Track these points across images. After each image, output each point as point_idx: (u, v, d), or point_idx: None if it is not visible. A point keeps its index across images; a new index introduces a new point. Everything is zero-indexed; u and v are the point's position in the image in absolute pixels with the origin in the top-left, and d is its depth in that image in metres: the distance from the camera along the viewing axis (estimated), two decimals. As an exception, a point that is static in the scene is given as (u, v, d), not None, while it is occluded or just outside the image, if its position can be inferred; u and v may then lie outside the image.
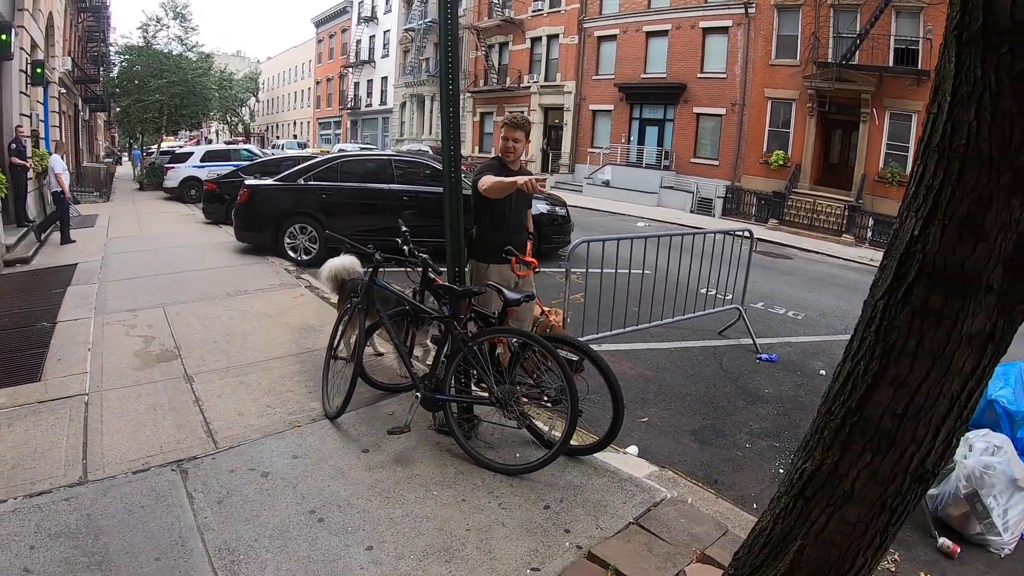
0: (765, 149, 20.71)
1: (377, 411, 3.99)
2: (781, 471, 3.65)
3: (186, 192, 17.35)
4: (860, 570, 1.75)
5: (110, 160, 29.12)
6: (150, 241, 10.80)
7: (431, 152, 24.82)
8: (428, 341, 4.40)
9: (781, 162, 20.05)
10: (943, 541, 3.14)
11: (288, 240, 9.11)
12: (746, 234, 6.39)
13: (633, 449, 3.82)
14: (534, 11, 28.56)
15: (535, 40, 28.74)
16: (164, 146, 26.56)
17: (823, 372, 5.54)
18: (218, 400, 4.10)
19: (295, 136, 51.54)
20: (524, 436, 3.59)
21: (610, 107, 25.71)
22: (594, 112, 26.65)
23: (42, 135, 13.98)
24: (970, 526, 3.21)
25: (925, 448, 1.63)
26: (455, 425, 3.47)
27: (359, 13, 43.27)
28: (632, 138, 25.04)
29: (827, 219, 18.00)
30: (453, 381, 3.57)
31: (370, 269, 3.98)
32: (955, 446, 1.69)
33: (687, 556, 2.57)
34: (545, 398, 3.49)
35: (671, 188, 22.36)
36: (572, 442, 3.50)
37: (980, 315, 1.52)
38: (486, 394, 3.46)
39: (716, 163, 22.20)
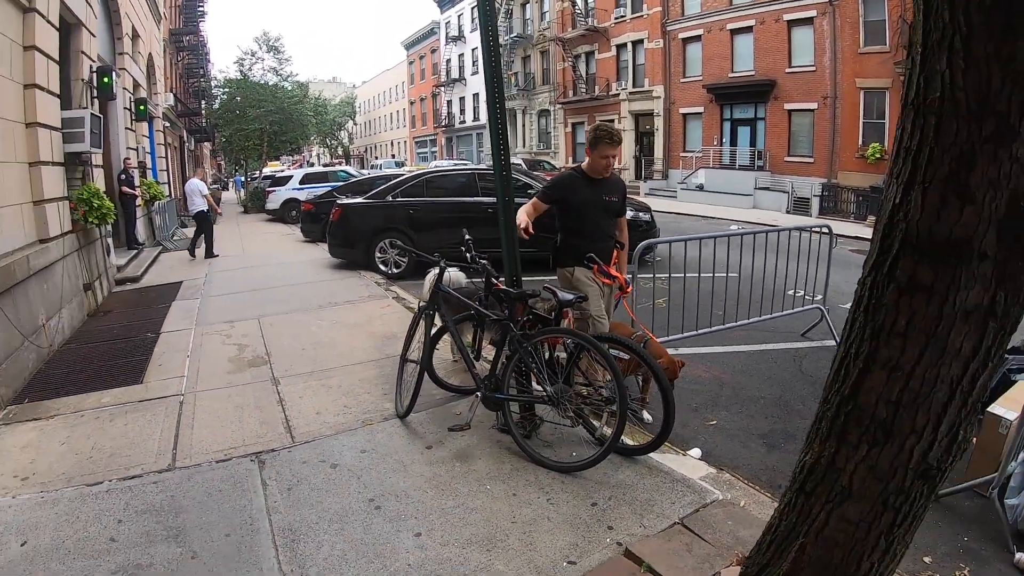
0: (861, 142, 19.43)
1: (446, 411, 4.15)
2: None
3: (287, 213, 18.52)
4: (867, 575, 1.61)
5: (216, 186, 31.56)
6: (251, 259, 11.67)
7: (523, 164, 25.15)
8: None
9: (878, 155, 18.66)
10: (1020, 556, 2.85)
11: (379, 255, 9.53)
12: (824, 230, 6.09)
13: (696, 452, 3.75)
14: (617, 18, 28.41)
15: (620, 47, 28.57)
16: (266, 171, 28.47)
17: (911, 375, 5.15)
18: (300, 400, 4.41)
19: (393, 156, 53.64)
20: (583, 436, 3.62)
21: (700, 109, 25.10)
22: (684, 115, 26.10)
23: (149, 166, 15.32)
24: None
25: (926, 440, 1.48)
26: (512, 423, 3.56)
27: (446, 33, 44.77)
28: (724, 140, 24.31)
29: (929, 213, 16.62)
30: (514, 381, 3.68)
31: (438, 276, 4.17)
32: (963, 440, 1.51)
33: (727, 558, 2.50)
34: (598, 397, 3.52)
35: (766, 189, 21.46)
36: (629, 442, 3.53)
37: (975, 287, 1.36)
38: (542, 393, 3.53)
39: (811, 160, 21.08)
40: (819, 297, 6.12)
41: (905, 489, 1.53)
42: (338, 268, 9.98)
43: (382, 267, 9.48)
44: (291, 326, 6.46)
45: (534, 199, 4.06)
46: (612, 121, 27.39)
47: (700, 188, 23.27)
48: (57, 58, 6.82)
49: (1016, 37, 1.21)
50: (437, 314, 4.15)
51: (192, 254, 11.91)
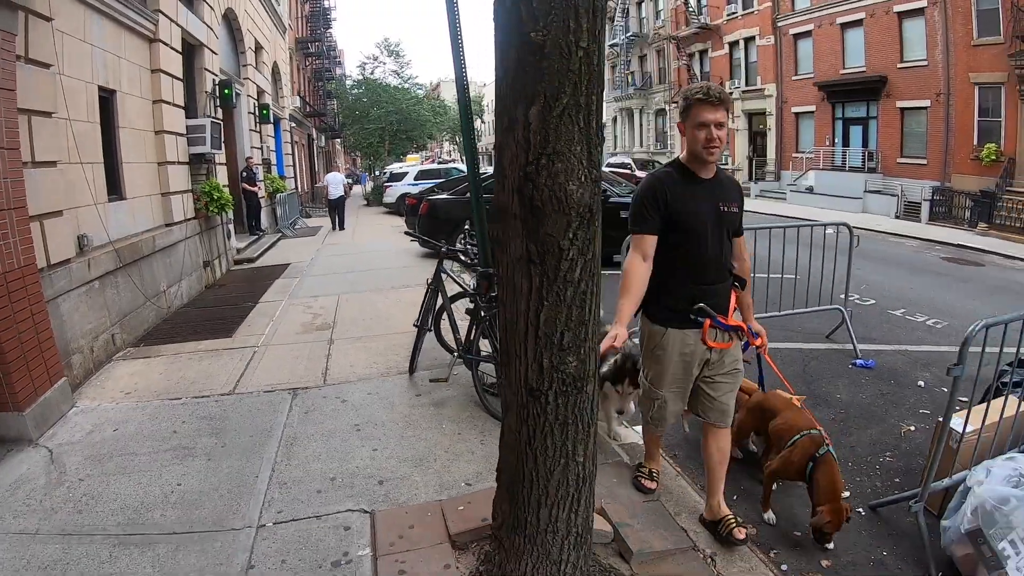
0: (976, 142, 17.84)
1: (447, 371, 4.85)
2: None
3: (402, 206, 19.83)
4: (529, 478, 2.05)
5: (348, 180, 33.54)
6: (354, 247, 13.21)
7: (632, 164, 25.42)
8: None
9: (993, 157, 17.09)
10: None
11: (459, 245, 10.57)
12: (843, 229, 6.07)
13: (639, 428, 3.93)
14: (729, 15, 27.86)
15: (732, 44, 28.01)
16: (390, 167, 30.19)
17: (922, 384, 4.97)
18: (342, 357, 5.54)
19: (518, 154, 54.43)
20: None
21: (812, 108, 24.14)
22: (796, 114, 25.20)
23: (274, 162, 17.25)
24: (979, 574, 2.47)
25: (523, 364, 1.94)
26: (477, 380, 4.35)
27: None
28: (836, 140, 23.24)
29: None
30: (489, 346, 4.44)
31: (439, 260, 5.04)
32: (556, 369, 1.91)
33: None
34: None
35: (877, 192, 20.35)
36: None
37: (517, 240, 1.84)
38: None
39: (924, 162, 19.62)
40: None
41: (526, 404, 1.97)
42: (425, 256, 10.99)
43: (461, 256, 10.46)
44: (361, 303, 7.63)
45: (632, 238, 2.59)
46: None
47: (810, 190, 22.45)
48: (181, 76, 8.35)
49: None
50: (439, 293, 4.98)
51: (341, 227, 16.71)
